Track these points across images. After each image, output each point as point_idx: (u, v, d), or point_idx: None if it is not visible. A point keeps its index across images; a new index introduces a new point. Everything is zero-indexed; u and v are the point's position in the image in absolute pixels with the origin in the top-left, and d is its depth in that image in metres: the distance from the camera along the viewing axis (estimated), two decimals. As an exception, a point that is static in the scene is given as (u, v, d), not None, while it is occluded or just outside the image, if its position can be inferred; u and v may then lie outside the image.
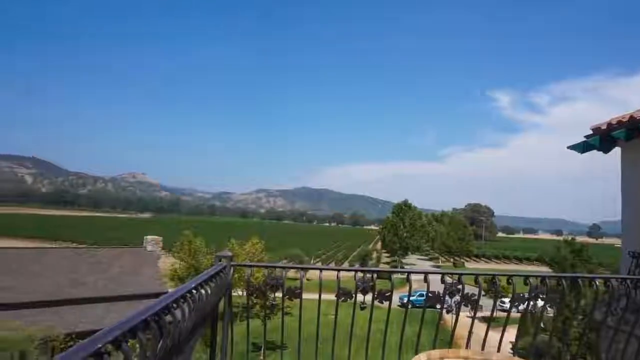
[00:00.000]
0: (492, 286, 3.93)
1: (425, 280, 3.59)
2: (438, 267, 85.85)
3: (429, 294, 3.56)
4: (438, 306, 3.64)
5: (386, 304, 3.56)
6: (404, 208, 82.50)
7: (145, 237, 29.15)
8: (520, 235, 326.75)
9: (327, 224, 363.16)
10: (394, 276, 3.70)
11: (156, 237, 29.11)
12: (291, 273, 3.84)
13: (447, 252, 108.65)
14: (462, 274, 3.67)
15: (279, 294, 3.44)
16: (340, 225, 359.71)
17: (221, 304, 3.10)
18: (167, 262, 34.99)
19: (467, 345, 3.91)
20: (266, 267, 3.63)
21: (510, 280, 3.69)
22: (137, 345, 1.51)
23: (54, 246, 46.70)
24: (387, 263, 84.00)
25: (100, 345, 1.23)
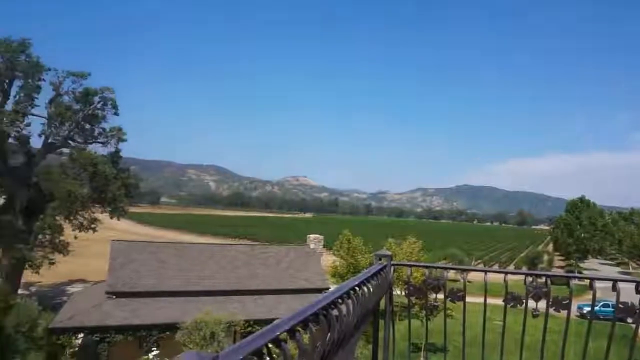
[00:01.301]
0: None
1: (614, 288, 3.10)
2: (628, 273, 73.52)
3: (619, 305, 3.07)
4: (630, 320, 3.12)
5: (561, 312, 3.18)
6: (579, 205, 72.64)
7: (308, 235, 31.19)
8: None
9: (489, 224, 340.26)
10: (572, 282, 3.29)
11: (318, 235, 30.92)
12: (450, 274, 3.71)
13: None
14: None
15: (439, 296, 3.35)
16: (503, 224, 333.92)
17: (382, 303, 3.16)
18: (328, 260, 36.84)
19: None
20: (426, 267, 3.57)
21: None
22: (307, 336, 1.63)
23: (234, 243, 53.14)
24: (561, 267, 74.99)
25: (278, 333, 1.36)
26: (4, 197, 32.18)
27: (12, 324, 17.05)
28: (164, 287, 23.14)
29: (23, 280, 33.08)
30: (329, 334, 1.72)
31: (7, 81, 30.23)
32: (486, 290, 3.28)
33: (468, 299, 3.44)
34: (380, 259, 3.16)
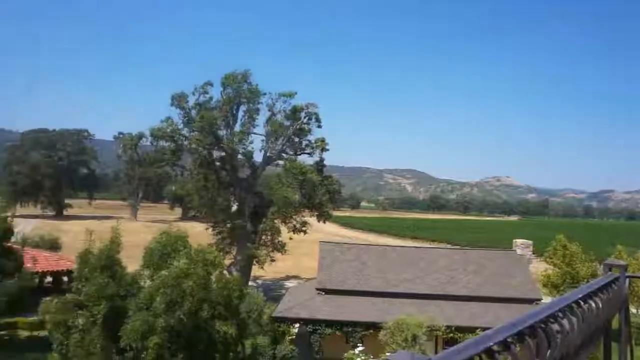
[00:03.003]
0: None
1: None
2: None
3: None
4: None
5: None
6: None
7: (514, 240, 28.74)
8: None
9: None
10: None
11: (526, 240, 28.22)
12: None
13: None
14: None
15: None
16: None
17: (614, 321, 2.67)
18: (539, 267, 33.25)
19: None
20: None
21: None
22: (522, 350, 1.49)
23: (432, 246, 52.52)
24: None
25: (491, 344, 1.28)
26: (236, 204, 38.59)
27: (245, 310, 20.22)
28: (366, 287, 24.27)
29: (252, 274, 38.98)
30: (548, 351, 1.54)
31: (235, 107, 36.28)
32: None
33: None
34: (610, 269, 2.69)
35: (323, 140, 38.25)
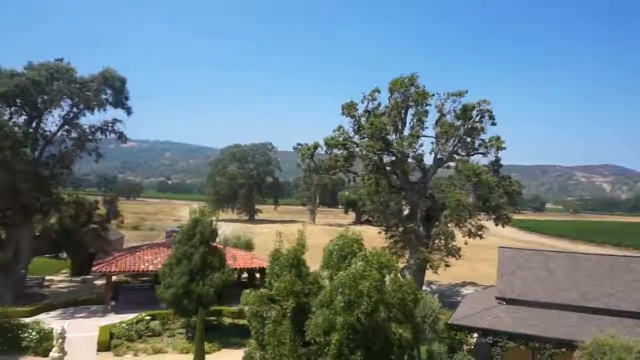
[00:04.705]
0: None
1: None
2: None
3: None
4: None
5: None
6: None
7: None
8: None
9: None
10: None
11: None
12: None
13: None
14: None
15: None
16: None
17: None
18: None
19: None
20: None
21: None
22: None
23: (640, 255, 44.21)
24: None
25: None
26: (408, 207, 38.60)
27: (420, 314, 20.04)
28: (555, 299, 21.76)
29: (426, 278, 38.41)
30: None
31: (403, 111, 36.39)
32: None
33: None
34: None
35: (498, 139, 35.74)
